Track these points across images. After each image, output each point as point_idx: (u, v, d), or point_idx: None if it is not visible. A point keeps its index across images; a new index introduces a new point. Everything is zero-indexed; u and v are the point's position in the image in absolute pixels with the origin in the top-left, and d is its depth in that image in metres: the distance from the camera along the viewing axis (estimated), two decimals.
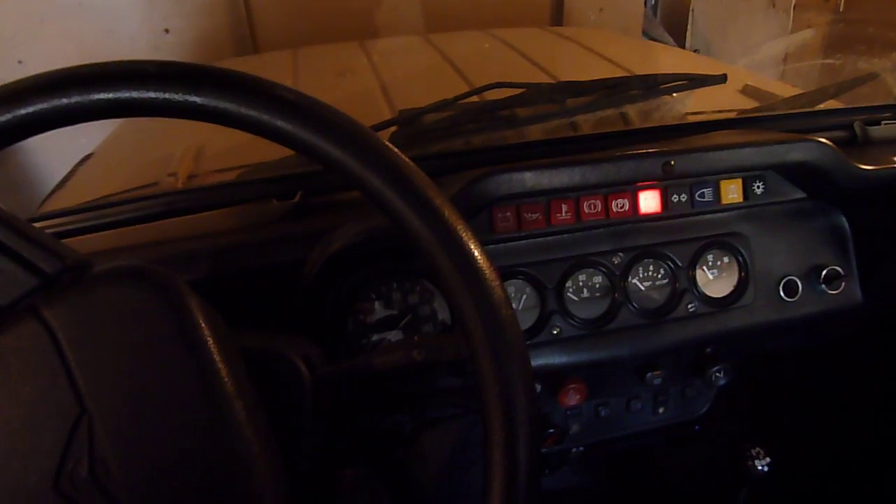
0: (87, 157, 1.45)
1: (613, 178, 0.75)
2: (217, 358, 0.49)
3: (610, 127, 0.92)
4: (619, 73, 1.39)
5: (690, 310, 0.85)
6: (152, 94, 0.46)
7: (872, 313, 0.93)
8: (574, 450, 1.03)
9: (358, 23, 2.27)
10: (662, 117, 1.00)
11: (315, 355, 0.63)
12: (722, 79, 0.91)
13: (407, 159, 0.49)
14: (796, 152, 0.79)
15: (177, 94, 0.46)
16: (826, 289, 0.88)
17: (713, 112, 1.02)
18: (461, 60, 1.62)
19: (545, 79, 1.42)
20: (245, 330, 0.61)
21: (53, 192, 1.24)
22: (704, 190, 0.82)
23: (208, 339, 0.49)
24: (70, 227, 0.79)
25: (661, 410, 0.98)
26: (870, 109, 0.94)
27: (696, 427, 1.07)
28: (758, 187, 0.84)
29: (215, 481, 0.48)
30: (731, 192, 0.84)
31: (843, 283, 0.88)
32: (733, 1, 3.06)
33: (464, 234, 0.48)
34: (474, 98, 0.92)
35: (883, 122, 0.93)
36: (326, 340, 0.76)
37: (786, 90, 1.25)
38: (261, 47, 2.38)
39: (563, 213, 0.79)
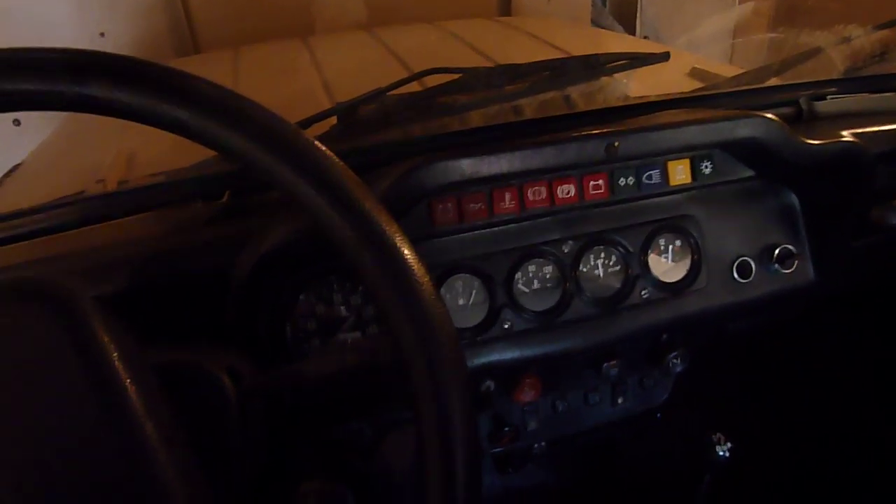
0: (15, 167, 1.37)
1: (556, 163, 0.72)
2: (122, 376, 0.44)
3: (553, 111, 0.89)
4: None
5: (644, 296, 0.83)
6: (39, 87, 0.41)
7: (826, 291, 0.92)
8: (536, 446, 1.00)
9: (301, 19, 2.21)
10: (606, 99, 0.98)
11: (243, 367, 0.58)
12: (664, 56, 0.89)
13: (323, 149, 0.45)
14: (742, 129, 0.77)
15: (62, 86, 0.41)
16: (779, 268, 0.87)
17: (659, 94, 1.00)
18: (407, 53, 1.58)
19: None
20: (163, 344, 0.56)
21: None
22: (651, 172, 0.80)
23: (112, 355, 0.44)
24: None
25: (620, 401, 0.96)
26: (815, 84, 0.93)
27: (658, 415, 1.05)
28: (706, 167, 0.82)
29: None
30: (679, 173, 0.81)
31: (796, 262, 0.87)
32: None
33: (388, 229, 0.44)
34: (414, 86, 0.88)
35: (828, 96, 0.92)
36: (263, 350, 0.71)
37: (733, 71, 1.24)
38: (202, 47, 2.30)
39: (507, 202, 0.75)
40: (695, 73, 1.30)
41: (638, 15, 3.39)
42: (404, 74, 1.44)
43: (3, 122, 2.16)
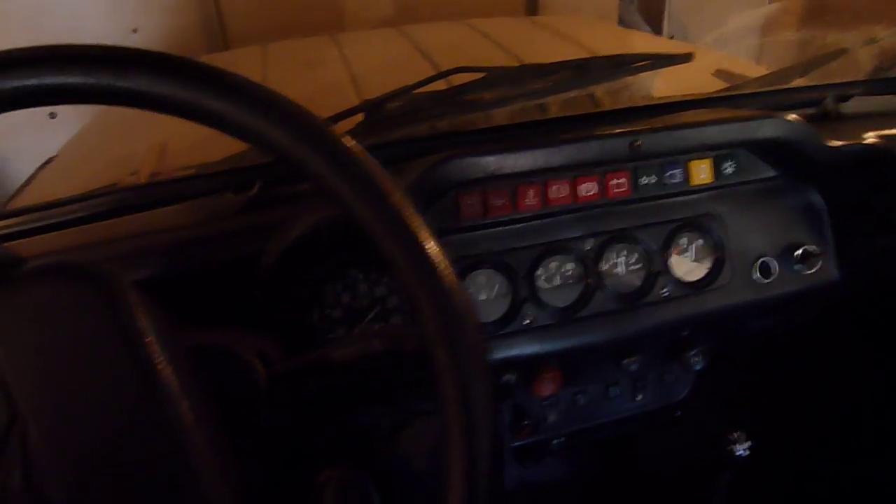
0: (50, 160, 1.41)
1: (579, 160, 0.73)
2: (159, 356, 0.46)
3: (578, 109, 0.90)
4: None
5: (664, 294, 0.84)
6: (80, 80, 0.43)
7: (850, 291, 0.92)
8: (556, 441, 1.01)
9: (330, 16, 2.24)
10: (630, 98, 0.98)
11: (273, 351, 0.60)
12: (687, 58, 0.90)
13: (353, 143, 0.47)
14: (766, 129, 0.77)
15: (103, 79, 0.43)
16: (802, 268, 0.87)
17: (684, 94, 1.00)
18: (434, 50, 1.59)
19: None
20: (198, 327, 0.59)
21: (12, 197, 1.20)
22: (674, 171, 0.80)
23: (149, 336, 0.46)
24: (19, 228, 0.76)
25: (639, 397, 0.96)
26: (840, 86, 0.93)
27: (678, 412, 1.06)
28: (728, 167, 0.83)
29: (161, 486, 0.46)
30: (702, 172, 0.82)
31: (820, 262, 0.87)
32: None
33: (412, 221, 0.46)
34: (440, 84, 0.90)
35: (853, 97, 0.92)
36: (290, 336, 0.74)
37: (759, 71, 1.24)
38: (232, 44, 2.34)
39: (530, 199, 0.77)
40: (720, 73, 1.30)
41: (665, 13, 3.36)
42: (431, 72, 1.46)
43: (38, 115, 2.22)
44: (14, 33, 2.07)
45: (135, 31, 2.32)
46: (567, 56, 1.52)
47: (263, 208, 0.74)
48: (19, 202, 1.14)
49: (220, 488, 0.47)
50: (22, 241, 0.72)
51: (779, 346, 1.05)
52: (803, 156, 0.79)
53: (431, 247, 0.46)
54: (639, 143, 0.72)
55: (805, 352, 1.06)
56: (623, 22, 3.04)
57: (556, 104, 0.85)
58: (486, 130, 0.78)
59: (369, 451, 0.98)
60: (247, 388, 0.56)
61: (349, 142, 0.47)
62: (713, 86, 1.23)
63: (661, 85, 1.16)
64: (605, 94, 0.89)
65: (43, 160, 1.39)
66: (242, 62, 1.81)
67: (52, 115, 2.27)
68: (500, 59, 1.50)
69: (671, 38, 2.58)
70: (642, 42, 1.92)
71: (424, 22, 2.04)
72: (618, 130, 0.72)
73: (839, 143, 0.80)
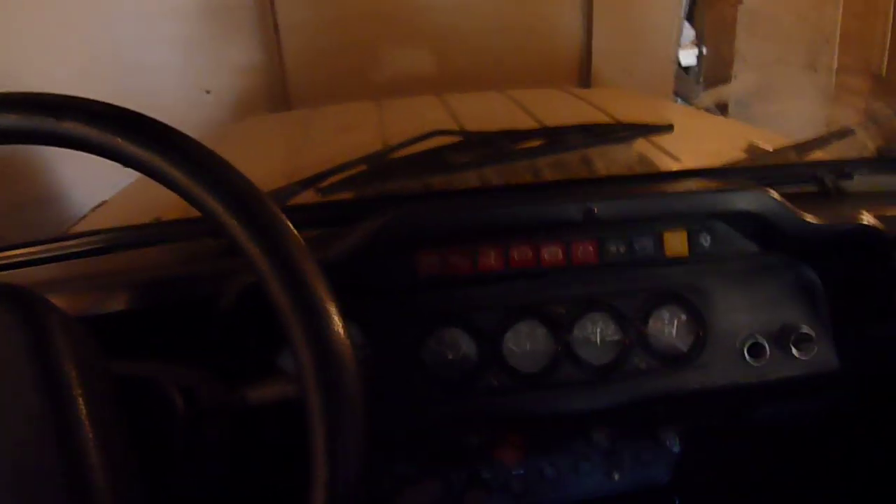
0: (101, 204, 1.51)
1: (538, 223, 0.73)
2: (73, 379, 0.49)
3: (558, 175, 0.90)
4: None
5: (640, 367, 0.81)
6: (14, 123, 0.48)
7: (850, 380, 0.86)
8: None
9: (383, 83, 2.35)
10: (631, 166, 0.98)
11: (205, 387, 0.62)
12: (669, 128, 0.89)
13: (257, 191, 0.49)
14: (739, 202, 0.75)
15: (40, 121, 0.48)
16: (796, 352, 0.82)
17: (675, 167, 0.99)
18: (468, 118, 1.64)
19: None
20: (135, 358, 0.61)
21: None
22: (644, 240, 0.79)
23: (65, 358, 0.49)
24: (19, 259, 0.82)
25: (615, 476, 0.92)
26: (841, 163, 0.89)
27: (676, 500, 1.00)
28: (704, 239, 0.80)
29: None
30: (675, 243, 0.80)
31: (816, 347, 0.82)
32: (773, 65, 3.01)
33: (302, 265, 0.47)
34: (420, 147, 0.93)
35: (855, 174, 0.88)
36: (244, 377, 0.75)
37: None
38: (293, 104, 2.48)
39: (492, 259, 0.77)
40: (749, 149, 1.28)
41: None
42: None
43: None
44: (99, 92, 2.27)
45: (208, 92, 2.49)
46: None
47: (236, 254, 0.78)
48: None
49: None
50: (13, 271, 0.78)
51: (775, 436, 0.98)
52: (782, 232, 0.76)
53: (318, 292, 0.47)
54: (595, 209, 0.72)
55: (810, 445, 0.99)
56: (681, 96, 3.03)
57: (532, 170, 0.86)
58: (455, 192, 0.79)
59: None
60: (164, 422, 0.58)
61: (256, 193, 0.49)
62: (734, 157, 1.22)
63: (682, 153, 1.15)
64: (584, 161, 0.89)
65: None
66: (290, 122, 1.93)
67: None
68: (529, 127, 1.53)
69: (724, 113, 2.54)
70: (678, 114, 1.91)
71: (470, 91, 2.11)
72: (576, 195, 0.72)
73: (823, 221, 0.76)
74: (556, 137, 0.85)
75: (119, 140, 0.48)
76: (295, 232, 0.49)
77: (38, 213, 2.00)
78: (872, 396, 0.89)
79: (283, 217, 0.49)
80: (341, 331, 0.47)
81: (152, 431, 0.57)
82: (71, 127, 0.48)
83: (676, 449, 0.85)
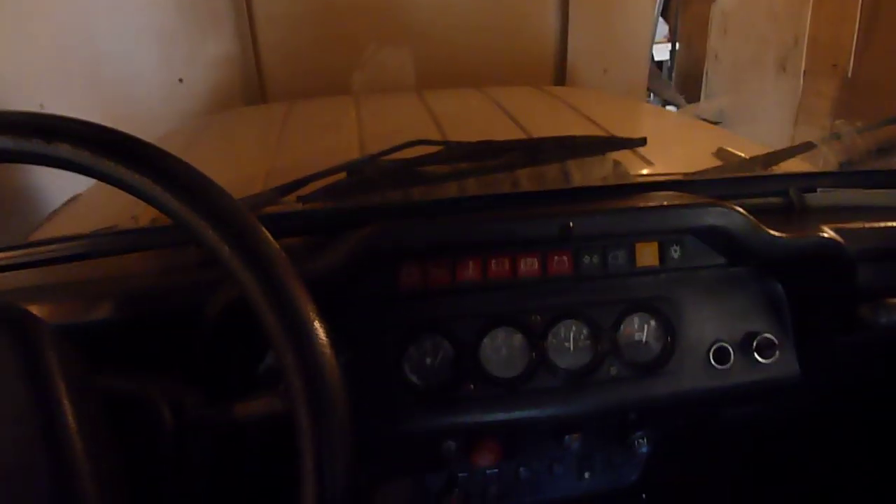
0: (74, 198, 1.50)
1: (517, 237, 0.76)
2: (62, 394, 0.50)
3: (551, 184, 0.92)
4: (598, 132, 1.41)
5: (612, 374, 0.84)
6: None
7: (811, 386, 0.90)
8: None
9: (361, 78, 2.34)
10: (606, 177, 1.00)
11: (192, 401, 0.63)
12: (641, 142, 0.91)
13: (238, 206, 0.50)
14: (708, 217, 0.78)
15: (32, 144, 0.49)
16: (759, 357, 0.86)
17: (656, 175, 1.02)
18: (445, 117, 1.65)
19: (522, 136, 1.44)
20: (119, 373, 0.62)
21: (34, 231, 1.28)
22: (617, 252, 0.82)
23: (55, 374, 0.50)
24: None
25: (586, 476, 0.95)
26: (805, 176, 0.93)
27: (643, 495, 1.04)
28: (675, 251, 0.83)
29: None
30: (647, 255, 0.83)
31: (777, 353, 0.86)
32: (745, 65, 3.06)
33: (281, 272, 0.49)
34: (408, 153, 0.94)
35: (819, 189, 0.92)
36: (230, 392, 0.77)
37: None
38: (270, 97, 2.46)
39: (470, 271, 0.79)
40: (721, 154, 1.31)
41: (703, 90, 3.39)
42: (438, 136, 1.52)
43: None
44: (74, 81, 2.24)
45: (181, 80, 2.46)
46: (572, 127, 1.57)
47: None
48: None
49: None
50: None
51: (739, 438, 1.03)
52: (747, 246, 0.80)
53: (305, 312, 0.49)
54: (571, 225, 0.74)
55: (766, 446, 1.03)
56: (656, 94, 3.08)
57: (511, 181, 0.88)
58: (433, 202, 0.81)
59: None
60: (152, 436, 0.59)
61: (244, 215, 0.51)
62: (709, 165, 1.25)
63: (661, 161, 1.18)
64: (560, 173, 0.91)
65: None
66: (266, 116, 1.92)
67: None
68: (507, 127, 1.55)
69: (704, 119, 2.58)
70: (650, 117, 1.94)
71: (447, 88, 2.12)
72: (553, 211, 0.75)
73: (785, 235, 0.80)
74: (534, 150, 0.87)
75: (107, 162, 0.49)
76: (280, 249, 0.51)
77: (13, 204, 1.97)
78: (832, 401, 0.93)
79: (268, 235, 0.50)
80: (328, 351, 0.49)
81: (140, 445, 0.58)
82: (62, 150, 0.49)
83: (645, 450, 0.89)
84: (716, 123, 2.54)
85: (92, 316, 0.72)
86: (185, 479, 0.62)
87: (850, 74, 2.56)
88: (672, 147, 1.38)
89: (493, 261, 0.79)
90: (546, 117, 1.69)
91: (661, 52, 3.89)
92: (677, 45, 3.84)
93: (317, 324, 0.49)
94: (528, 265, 0.80)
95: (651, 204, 0.77)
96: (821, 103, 2.65)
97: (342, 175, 0.86)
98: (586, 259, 0.81)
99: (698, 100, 3.35)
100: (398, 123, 1.69)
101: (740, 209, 0.78)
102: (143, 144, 0.51)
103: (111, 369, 0.61)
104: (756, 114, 2.87)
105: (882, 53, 2.48)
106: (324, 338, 0.49)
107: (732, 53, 3.18)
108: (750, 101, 2.90)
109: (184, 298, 0.75)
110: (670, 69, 3.73)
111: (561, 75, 2.51)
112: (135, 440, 0.58)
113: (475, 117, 1.71)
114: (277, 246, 0.50)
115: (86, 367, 0.54)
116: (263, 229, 0.50)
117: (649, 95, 3.31)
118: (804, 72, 2.76)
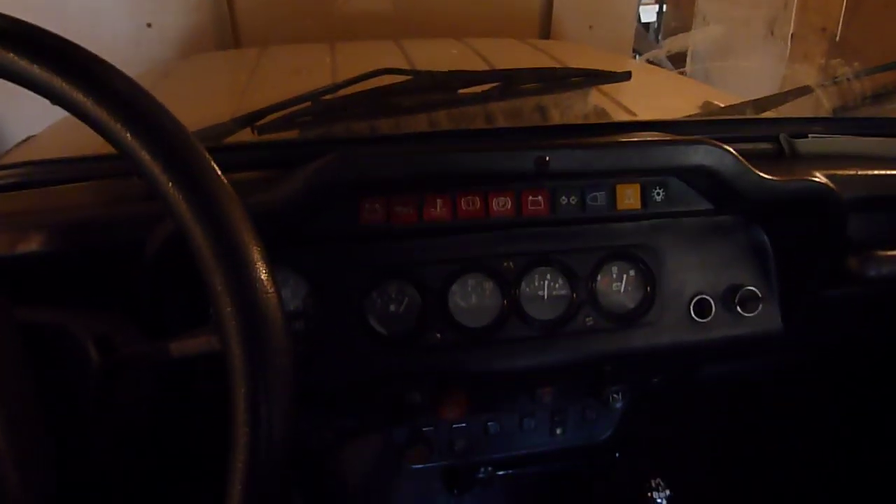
0: (28, 138, 1.42)
1: (487, 172, 0.70)
2: None
3: (527, 121, 0.87)
4: None
5: (588, 324, 0.79)
6: None
7: (794, 341, 0.86)
8: (483, 470, 0.96)
9: (338, 26, 2.25)
10: (587, 115, 0.94)
11: (122, 337, 0.57)
12: (626, 76, 0.86)
13: (184, 133, 0.44)
14: (693, 155, 0.73)
15: None
16: (741, 311, 0.82)
17: (630, 119, 0.96)
18: (424, 65, 1.58)
19: None
20: (45, 307, 0.56)
21: None
22: (596, 193, 0.76)
23: None
24: None
25: (558, 432, 0.91)
26: (797, 121, 0.88)
27: (617, 453, 1.00)
28: (658, 194, 0.78)
29: None
30: (628, 197, 0.78)
31: (760, 306, 0.82)
32: (733, 28, 3.00)
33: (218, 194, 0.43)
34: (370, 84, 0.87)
35: (810, 135, 0.87)
36: (168, 328, 0.71)
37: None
38: (242, 42, 2.36)
39: (438, 209, 0.73)
40: (706, 107, 1.26)
41: (689, 51, 3.32)
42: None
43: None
44: (38, 17, 2.12)
45: (149, 25, 2.35)
46: None
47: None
48: None
49: (10, 470, 0.45)
50: None
51: (719, 394, 0.99)
52: (734, 188, 0.75)
53: (241, 235, 0.43)
54: (547, 158, 0.68)
55: (745, 402, 1.00)
56: (640, 53, 3.01)
57: (484, 114, 0.82)
58: (401, 135, 0.75)
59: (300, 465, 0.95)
60: (76, 374, 0.53)
61: (175, 126, 0.44)
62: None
63: (636, 107, 1.13)
64: (538, 107, 0.85)
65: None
66: (238, 61, 1.83)
67: None
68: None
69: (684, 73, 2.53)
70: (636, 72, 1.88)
71: (429, 38, 2.04)
72: (529, 144, 0.69)
73: (774, 178, 0.75)
74: (509, 81, 0.80)
75: (16, 59, 0.42)
76: (218, 171, 0.44)
77: None
78: (814, 357, 0.90)
79: (205, 153, 0.44)
80: (266, 278, 0.43)
81: (62, 384, 0.53)
82: None
83: (619, 405, 0.85)
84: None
85: (20, 248, 0.65)
86: (116, 421, 0.57)
87: (837, 38, 2.51)
88: (658, 99, 1.33)
89: (464, 199, 0.73)
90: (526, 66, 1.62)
91: (649, 14, 3.82)
92: (664, 6, 3.76)
93: (255, 247, 0.43)
94: (501, 205, 0.74)
95: (634, 139, 0.72)
96: (807, 69, 2.61)
97: (305, 106, 0.79)
98: (563, 200, 0.76)
99: (684, 63, 3.28)
100: (372, 67, 1.61)
101: (729, 148, 0.73)
102: (77, 48, 0.44)
103: (38, 304, 0.56)
104: (743, 77, 2.82)
105: (870, 17, 2.44)
106: (262, 262, 0.43)
107: (720, 15, 3.12)
108: (737, 64, 2.85)
109: (124, 232, 0.69)
110: (657, 31, 3.66)
111: (546, 29, 2.44)
112: (56, 377, 0.52)
113: (453, 63, 1.63)
114: (210, 160, 0.44)
115: (3, 300, 0.48)
116: (197, 142, 0.44)
117: (635, 56, 3.25)
118: (792, 35, 2.70)
